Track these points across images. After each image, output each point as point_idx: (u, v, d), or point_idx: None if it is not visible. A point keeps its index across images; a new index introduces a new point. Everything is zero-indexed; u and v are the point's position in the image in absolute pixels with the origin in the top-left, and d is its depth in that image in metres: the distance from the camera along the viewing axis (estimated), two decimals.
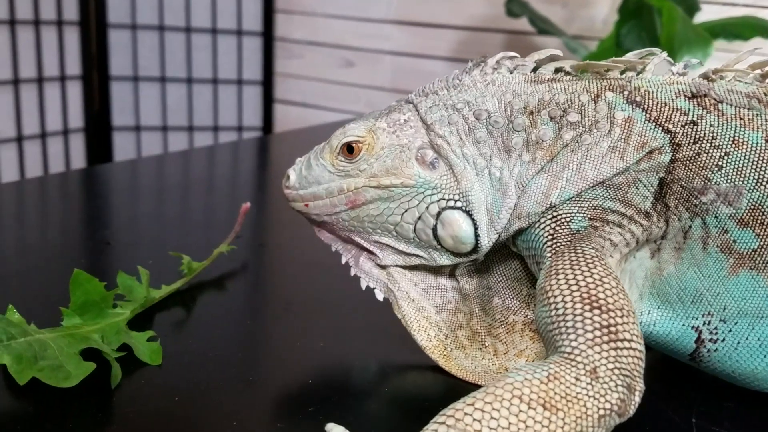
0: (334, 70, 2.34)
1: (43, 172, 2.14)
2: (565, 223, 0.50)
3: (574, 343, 0.42)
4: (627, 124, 0.50)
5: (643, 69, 0.52)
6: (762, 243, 0.48)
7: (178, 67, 2.29)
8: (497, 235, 0.52)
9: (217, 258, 0.73)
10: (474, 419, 0.39)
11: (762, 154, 0.48)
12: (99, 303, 0.56)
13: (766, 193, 0.48)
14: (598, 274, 0.45)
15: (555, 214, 0.50)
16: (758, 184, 0.48)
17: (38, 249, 0.81)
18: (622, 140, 0.50)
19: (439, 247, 0.54)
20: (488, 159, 0.52)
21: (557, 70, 0.53)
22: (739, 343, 0.50)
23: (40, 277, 0.71)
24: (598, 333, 0.42)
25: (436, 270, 0.57)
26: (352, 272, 0.57)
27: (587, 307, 0.43)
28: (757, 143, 0.49)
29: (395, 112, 0.55)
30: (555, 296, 0.45)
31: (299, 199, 0.56)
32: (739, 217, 0.49)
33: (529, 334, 0.55)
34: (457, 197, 0.52)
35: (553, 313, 0.44)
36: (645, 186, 0.50)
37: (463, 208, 0.52)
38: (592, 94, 0.51)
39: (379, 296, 0.57)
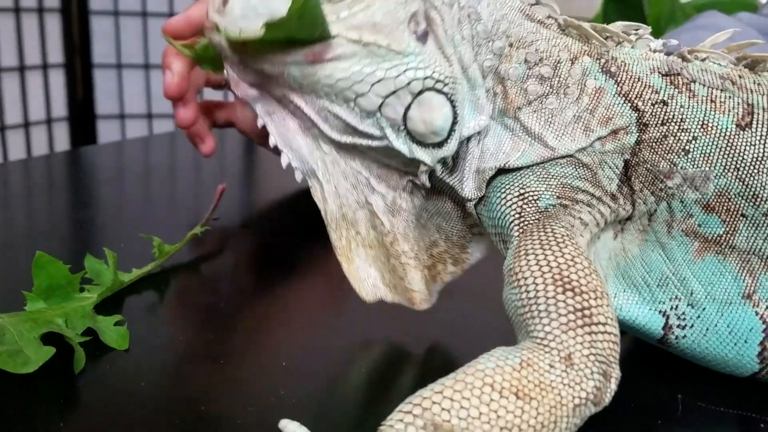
0: None
1: None
2: (533, 201, 0.47)
3: (547, 328, 0.40)
4: (596, 94, 0.48)
5: (624, 42, 0.50)
6: (728, 228, 0.47)
7: None
8: (460, 143, 0.48)
9: (194, 241, 0.71)
10: (443, 408, 0.36)
11: (730, 140, 0.47)
12: (64, 287, 0.54)
13: (733, 180, 0.46)
14: (569, 254, 0.43)
15: (521, 192, 0.48)
16: (725, 170, 0.47)
17: (12, 232, 0.79)
18: (588, 111, 0.48)
19: (402, 127, 0.46)
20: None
21: (549, 17, 0.50)
22: (708, 329, 0.49)
23: (7, 261, 0.69)
24: (572, 317, 0.40)
25: (380, 173, 0.50)
26: (272, 142, 0.48)
27: (560, 290, 0.41)
28: (726, 128, 0.47)
29: None
30: (525, 278, 0.42)
31: (234, 34, 0.43)
32: (705, 203, 0.47)
33: (425, 277, 0.53)
34: (446, 80, 0.46)
35: (524, 296, 0.42)
36: (610, 168, 0.48)
37: (449, 95, 0.46)
38: (572, 54, 0.49)
39: (298, 177, 0.49)
